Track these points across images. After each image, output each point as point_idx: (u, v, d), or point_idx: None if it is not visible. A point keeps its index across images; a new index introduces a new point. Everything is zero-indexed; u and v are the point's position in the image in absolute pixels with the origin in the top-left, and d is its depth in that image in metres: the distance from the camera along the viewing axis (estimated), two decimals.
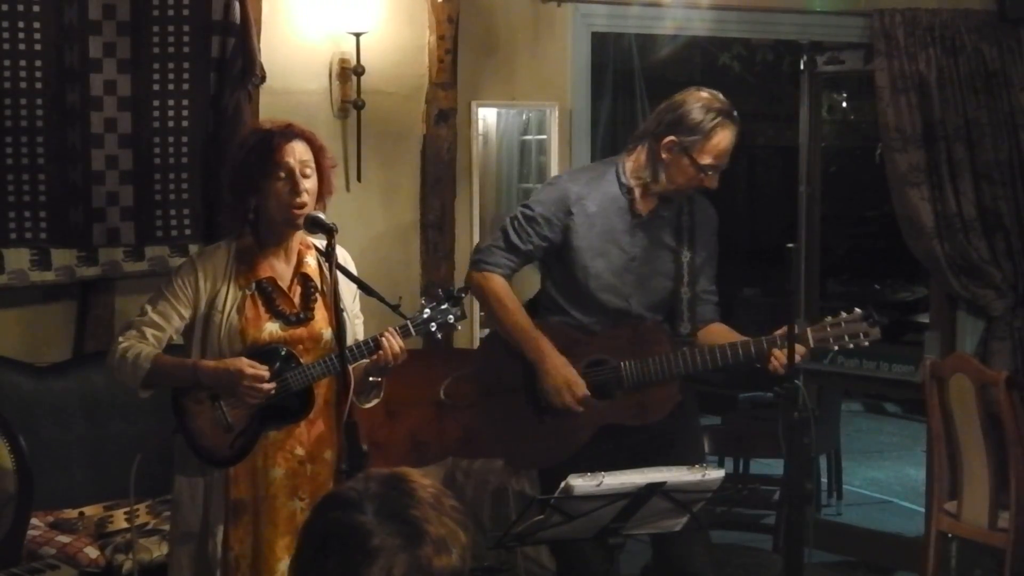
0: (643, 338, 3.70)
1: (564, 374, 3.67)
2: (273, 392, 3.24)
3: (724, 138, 3.65)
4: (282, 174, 3.24)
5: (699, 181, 3.68)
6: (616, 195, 3.75)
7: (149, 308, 3.33)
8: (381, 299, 3.33)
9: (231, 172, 3.35)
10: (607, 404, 3.70)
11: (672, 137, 3.65)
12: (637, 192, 3.73)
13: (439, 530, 1.70)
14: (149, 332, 3.30)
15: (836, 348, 3.69)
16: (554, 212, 3.74)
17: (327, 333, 3.33)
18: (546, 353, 3.69)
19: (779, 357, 3.57)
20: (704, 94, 3.71)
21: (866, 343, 3.67)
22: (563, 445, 3.70)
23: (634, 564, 4.35)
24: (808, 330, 3.64)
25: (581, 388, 3.67)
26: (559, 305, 3.80)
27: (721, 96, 3.73)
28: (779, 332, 3.59)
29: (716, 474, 3.13)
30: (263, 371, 3.22)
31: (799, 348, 3.51)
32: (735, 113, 3.70)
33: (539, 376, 3.69)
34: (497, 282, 3.76)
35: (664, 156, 3.67)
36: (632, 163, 3.76)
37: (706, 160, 3.63)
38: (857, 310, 3.67)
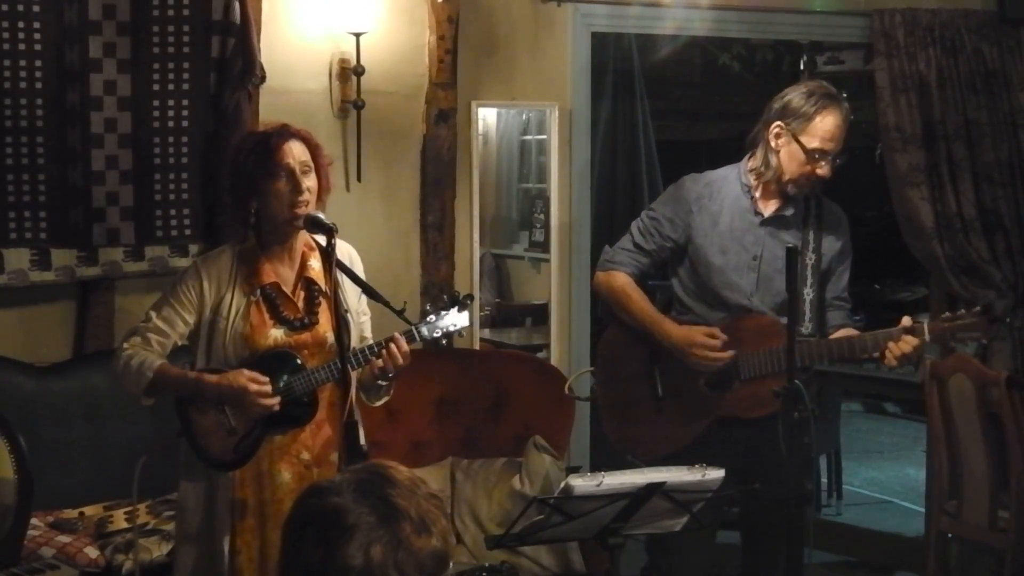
0: (762, 332, 3.73)
1: (691, 338, 3.73)
2: (277, 406, 3.24)
3: (829, 120, 3.71)
4: (282, 174, 3.25)
5: (811, 170, 3.70)
6: (738, 194, 3.81)
7: (153, 314, 3.33)
8: (386, 304, 3.33)
9: (230, 176, 3.35)
10: (722, 396, 3.72)
11: (779, 123, 3.72)
12: (758, 191, 3.78)
13: (417, 510, 1.71)
14: (154, 339, 3.30)
15: (953, 345, 3.71)
16: (676, 211, 3.84)
17: (331, 336, 3.32)
18: (671, 330, 3.77)
19: (893, 350, 3.58)
20: (809, 82, 3.85)
21: (985, 339, 3.69)
22: (679, 434, 3.75)
23: (634, 565, 4.35)
24: (925, 324, 3.65)
25: (716, 336, 3.71)
26: (685, 304, 3.88)
27: (826, 84, 3.82)
28: (897, 327, 3.62)
29: (716, 474, 3.13)
30: (265, 386, 3.22)
31: (914, 341, 3.56)
32: (843, 98, 3.76)
33: (673, 348, 3.75)
34: (621, 278, 3.88)
35: (773, 144, 3.74)
36: (750, 162, 3.84)
37: (814, 143, 3.69)
38: (977, 307, 3.69)
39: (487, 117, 7.15)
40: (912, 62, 5.47)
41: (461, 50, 5.10)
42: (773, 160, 3.75)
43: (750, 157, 3.85)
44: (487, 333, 6.24)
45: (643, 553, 4.27)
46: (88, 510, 4.33)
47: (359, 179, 4.98)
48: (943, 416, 4.90)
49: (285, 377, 3.27)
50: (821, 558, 5.66)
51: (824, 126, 3.71)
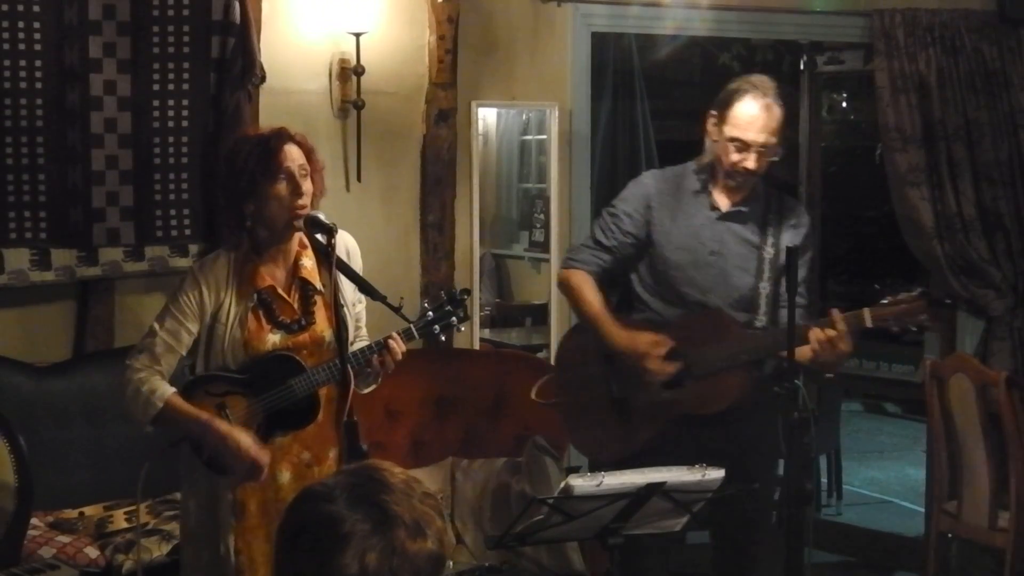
0: (715, 328, 3.71)
1: (634, 344, 3.70)
2: (264, 476, 3.26)
3: (745, 109, 3.67)
4: (282, 177, 3.25)
5: (737, 157, 3.68)
6: (695, 190, 3.80)
7: (158, 327, 3.31)
8: (384, 301, 3.33)
9: (226, 180, 3.32)
10: (676, 393, 3.72)
11: (712, 111, 3.74)
12: (716, 187, 3.77)
13: (411, 515, 1.70)
14: (161, 354, 3.28)
15: (896, 330, 3.66)
16: (635, 207, 3.82)
17: (329, 334, 3.33)
18: (615, 332, 3.74)
19: (817, 334, 3.55)
20: (749, 76, 3.83)
21: (929, 324, 3.65)
22: (636, 435, 3.74)
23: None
24: (866, 311, 3.60)
25: (662, 345, 3.67)
26: (643, 300, 3.85)
27: (766, 78, 3.79)
28: (827, 319, 3.58)
29: (716, 474, 3.13)
30: (266, 458, 3.24)
31: (831, 333, 3.51)
32: (773, 92, 3.71)
33: (616, 352, 3.73)
34: (579, 276, 3.86)
35: (710, 132, 3.76)
36: (700, 158, 3.84)
37: (733, 132, 3.67)
38: (918, 290, 3.64)
39: (487, 117, 7.14)
40: (912, 62, 5.47)
41: (461, 50, 5.10)
42: (712, 150, 3.75)
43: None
44: (487, 333, 6.23)
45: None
46: (88, 510, 4.33)
47: (359, 179, 4.99)
48: (943, 416, 4.90)
49: (286, 379, 3.27)
50: (821, 558, 5.66)
51: (739, 114, 3.67)
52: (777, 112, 3.69)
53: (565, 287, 3.91)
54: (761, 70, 9.03)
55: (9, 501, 3.88)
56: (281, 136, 3.29)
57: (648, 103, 7.50)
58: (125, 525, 4.18)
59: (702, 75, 9.62)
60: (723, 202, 3.78)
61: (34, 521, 4.08)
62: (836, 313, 3.56)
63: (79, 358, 4.62)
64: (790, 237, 3.76)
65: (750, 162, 3.68)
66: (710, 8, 5.39)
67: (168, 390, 3.26)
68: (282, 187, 3.25)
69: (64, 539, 4.11)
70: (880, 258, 10.21)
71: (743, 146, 3.67)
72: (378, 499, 1.69)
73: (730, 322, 3.72)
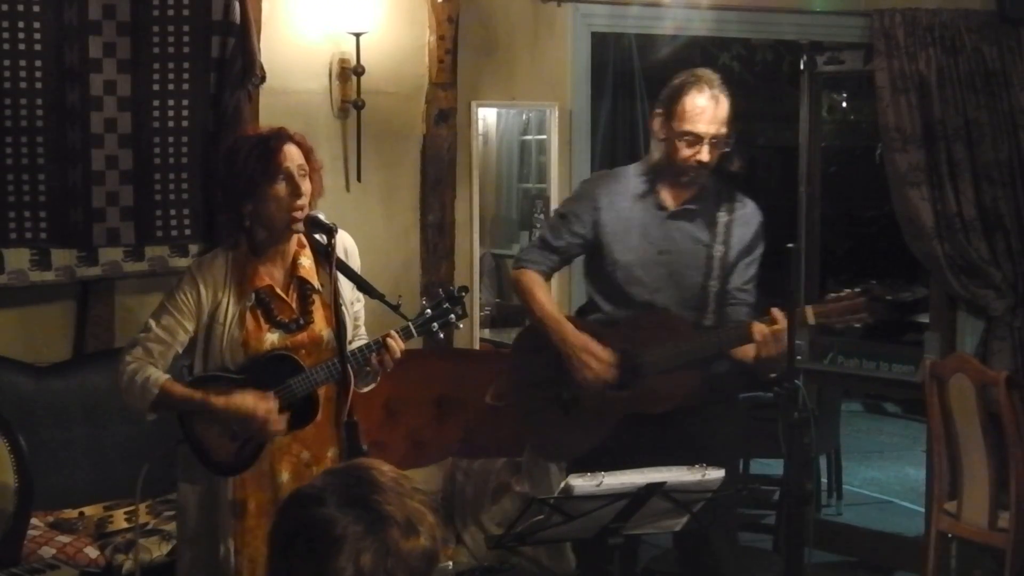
0: (661, 327, 3.71)
1: (585, 347, 3.70)
2: (284, 428, 3.25)
3: (692, 101, 3.66)
4: (282, 177, 3.25)
5: (688, 152, 3.67)
6: (643, 190, 3.80)
7: (153, 323, 3.31)
8: (382, 299, 3.33)
9: (225, 180, 3.32)
10: (625, 394, 3.71)
11: (658, 109, 3.73)
12: (663, 186, 3.76)
13: (403, 513, 1.69)
14: (155, 349, 3.28)
15: (840, 327, 3.66)
16: (583, 208, 3.82)
17: (327, 334, 3.33)
18: (567, 333, 3.74)
19: (761, 330, 3.54)
20: (692, 70, 3.79)
21: (870, 320, 3.65)
22: (588, 435, 3.73)
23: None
24: (808, 307, 3.60)
25: (604, 354, 3.68)
26: (595, 303, 3.86)
27: (708, 71, 3.78)
28: (772, 315, 3.58)
29: (716, 474, 3.13)
30: (272, 406, 3.23)
31: (768, 328, 3.51)
32: (718, 83, 3.71)
33: (562, 353, 3.73)
34: (530, 276, 3.86)
35: (655, 130, 3.74)
36: (648, 158, 3.83)
37: (682, 126, 3.66)
38: (859, 288, 3.65)
39: (487, 117, 7.14)
40: (912, 62, 5.47)
41: (461, 50, 5.10)
42: (662, 147, 3.74)
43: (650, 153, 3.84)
44: (487, 333, 6.23)
45: (643, 553, 4.27)
46: (88, 510, 4.33)
47: (359, 179, 4.99)
48: (943, 416, 4.90)
49: (284, 377, 3.27)
50: (821, 558, 5.66)
51: (687, 106, 3.66)
52: (725, 102, 3.70)
53: (516, 287, 3.92)
54: (761, 70, 9.06)
55: (9, 501, 3.88)
56: (280, 136, 3.29)
57: (648, 103, 7.49)
58: (125, 525, 4.18)
59: None
60: (671, 201, 3.77)
61: (34, 521, 4.09)
62: (776, 311, 3.56)
63: (79, 358, 4.62)
64: (741, 234, 3.76)
65: (703, 155, 3.68)
66: (710, 8, 5.39)
67: (162, 376, 3.26)
68: (281, 188, 3.25)
69: (64, 539, 4.11)
70: (880, 258, 10.20)
71: (695, 139, 3.66)
72: (370, 499, 1.69)
73: (678, 321, 3.72)
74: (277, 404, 3.24)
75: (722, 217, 3.76)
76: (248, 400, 3.22)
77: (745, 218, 3.80)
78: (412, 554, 1.67)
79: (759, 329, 3.55)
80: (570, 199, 3.93)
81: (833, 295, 3.64)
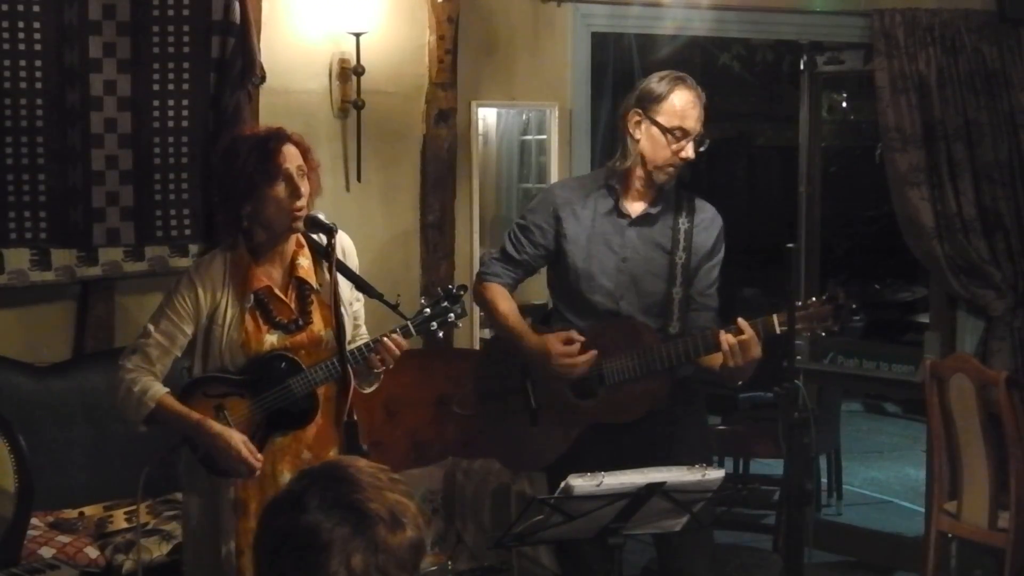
0: (626, 336, 3.69)
1: (545, 343, 3.68)
2: (257, 473, 3.25)
3: (682, 98, 3.68)
4: (281, 178, 3.23)
5: (675, 152, 3.67)
6: (604, 197, 3.77)
7: (152, 328, 3.30)
8: (381, 298, 3.33)
9: (223, 180, 3.31)
10: (590, 403, 3.70)
11: (636, 109, 3.71)
12: (625, 192, 3.75)
13: (386, 507, 1.69)
14: (155, 354, 3.28)
15: (806, 335, 3.64)
16: (544, 219, 3.79)
17: (326, 334, 3.33)
18: (529, 337, 3.73)
19: (728, 339, 3.52)
20: (660, 72, 3.79)
21: (836, 329, 3.64)
22: (553, 445, 3.72)
23: (634, 564, 4.35)
24: (774, 316, 3.57)
25: (575, 348, 3.65)
26: (559, 312, 3.83)
27: (675, 71, 3.80)
28: (732, 327, 3.56)
29: (716, 474, 3.13)
30: (256, 460, 3.22)
31: (735, 338, 3.50)
32: (693, 81, 3.74)
33: (528, 357, 3.72)
34: (492, 289, 3.83)
35: (634, 133, 3.71)
36: (615, 163, 3.79)
37: (673, 122, 3.66)
38: (825, 296, 3.63)
39: (487, 117, 7.12)
40: (912, 62, 5.47)
41: (461, 50, 5.10)
42: (634, 149, 3.72)
43: (614, 159, 3.80)
44: (487, 333, 6.22)
45: (643, 553, 4.27)
46: (88, 510, 4.33)
47: (359, 179, 4.99)
48: (943, 416, 4.90)
49: (281, 374, 3.27)
50: (821, 558, 5.66)
51: (678, 102, 3.67)
52: (704, 101, 3.73)
53: (479, 300, 3.88)
54: (761, 70, 9.07)
55: (9, 501, 3.88)
56: (279, 137, 3.28)
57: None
58: (125, 525, 4.18)
59: (702, 75, 9.61)
60: (632, 208, 3.76)
61: (34, 521, 4.08)
62: (742, 321, 3.54)
63: (79, 358, 4.62)
64: (703, 240, 3.76)
65: (689, 151, 3.68)
66: (710, 8, 5.39)
67: (161, 390, 3.25)
68: (281, 189, 3.24)
69: (64, 539, 4.11)
70: (880, 258, 10.21)
71: (683, 134, 3.66)
72: (351, 499, 1.68)
73: (643, 329, 3.69)
74: (260, 462, 3.24)
75: (683, 224, 3.74)
76: (238, 440, 3.21)
77: (705, 223, 3.78)
78: (401, 547, 1.67)
79: (726, 339, 3.53)
80: (530, 209, 3.89)
81: (799, 303, 3.62)
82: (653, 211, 3.75)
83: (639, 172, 3.72)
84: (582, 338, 3.67)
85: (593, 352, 3.66)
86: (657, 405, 3.68)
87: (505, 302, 3.82)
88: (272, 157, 3.23)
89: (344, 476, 1.72)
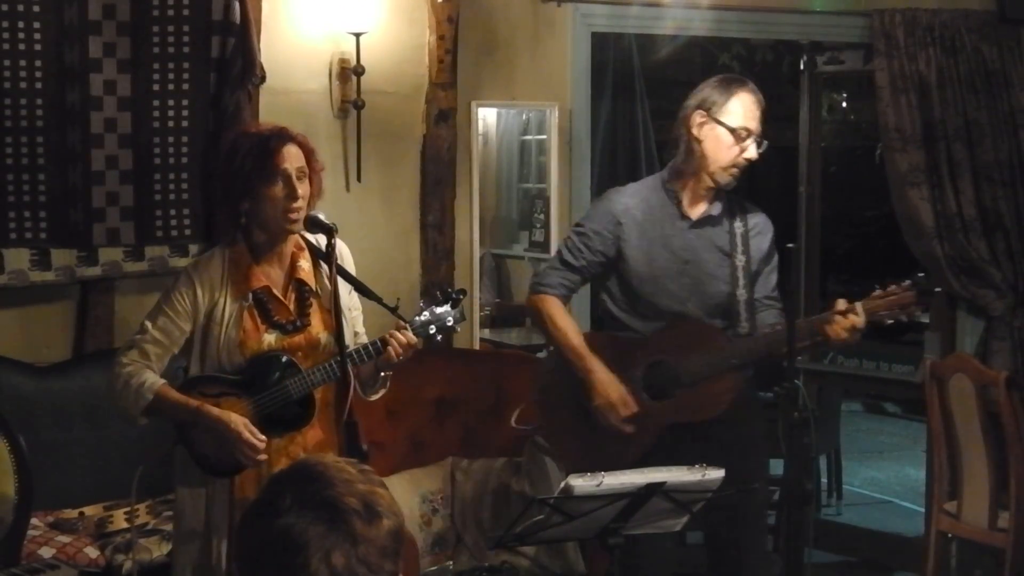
0: (697, 336, 3.71)
1: (610, 393, 3.70)
2: (263, 462, 3.23)
3: (746, 99, 3.71)
4: (279, 179, 3.22)
5: (738, 151, 3.69)
6: (663, 201, 3.79)
7: (149, 324, 3.29)
8: (379, 301, 3.33)
9: (223, 177, 3.30)
10: (667, 404, 3.72)
11: (699, 110, 3.72)
12: (684, 195, 3.76)
13: (359, 499, 1.67)
14: (151, 351, 3.27)
15: (890, 322, 3.65)
16: (604, 225, 3.80)
17: (324, 337, 3.32)
18: (595, 371, 3.72)
19: (832, 331, 3.54)
20: (718, 75, 3.85)
21: (919, 314, 3.65)
22: (631, 449, 3.72)
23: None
24: (858, 304, 3.59)
25: (630, 407, 3.69)
26: (616, 317, 3.83)
27: (732, 74, 3.88)
28: (831, 311, 3.58)
29: (716, 474, 3.13)
30: (260, 441, 3.21)
31: (854, 322, 3.52)
32: (751, 83, 3.78)
33: (589, 395, 3.72)
34: (550, 303, 3.83)
35: (696, 133, 3.72)
36: (674, 167, 3.81)
37: (737, 122, 3.68)
38: (907, 281, 3.63)
39: (487, 117, 7.14)
40: (912, 62, 5.47)
41: (461, 50, 5.10)
42: (703, 150, 3.73)
43: (673, 162, 3.82)
44: (487, 333, 6.23)
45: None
46: (88, 510, 4.33)
47: (359, 179, 4.98)
48: (943, 416, 4.90)
49: (277, 375, 3.26)
50: (821, 558, 5.66)
51: (743, 103, 3.70)
52: (763, 103, 3.76)
53: (535, 314, 3.88)
54: (761, 70, 9.06)
55: (9, 501, 3.88)
56: (281, 136, 3.27)
57: (648, 103, 7.50)
58: (125, 525, 4.18)
59: (702, 75, 9.59)
60: (692, 211, 3.78)
61: (34, 521, 4.08)
62: (841, 301, 3.58)
63: (79, 358, 4.62)
64: (759, 243, 3.77)
65: (752, 151, 3.70)
66: (710, 8, 5.39)
67: (158, 381, 3.24)
68: (277, 189, 3.23)
69: (64, 539, 4.11)
70: (880, 258, 10.21)
71: (747, 134, 3.68)
72: (324, 496, 1.67)
73: (711, 330, 3.71)
74: (265, 443, 3.22)
75: (738, 227, 3.77)
76: (240, 423, 3.20)
77: (759, 228, 3.82)
78: (379, 537, 1.66)
79: (832, 335, 3.54)
80: (588, 217, 3.89)
81: (879, 291, 3.63)
82: (714, 213, 3.77)
83: (701, 174, 3.74)
84: (636, 409, 3.68)
85: (631, 428, 3.68)
86: (735, 401, 3.69)
87: (563, 318, 3.82)
88: (271, 156, 3.22)
89: (313, 474, 1.71)
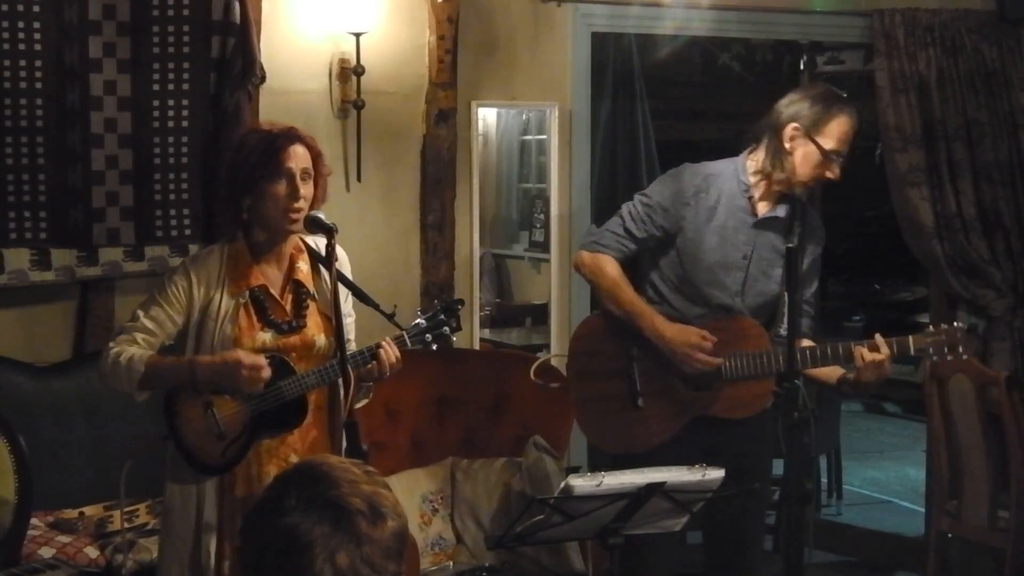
0: (743, 334, 3.72)
1: (686, 338, 3.68)
2: (269, 376, 3.20)
3: (845, 121, 3.71)
4: (282, 178, 3.22)
5: (823, 169, 3.70)
6: (735, 193, 3.79)
7: (141, 313, 3.29)
8: (376, 307, 3.32)
9: (228, 171, 3.31)
10: (703, 395, 3.72)
11: (795, 124, 3.70)
12: (756, 192, 3.77)
13: (364, 500, 1.67)
14: (141, 337, 3.26)
15: (935, 358, 3.68)
16: (672, 202, 3.79)
17: (320, 340, 3.31)
18: (663, 326, 3.72)
19: (864, 356, 3.57)
20: (818, 85, 3.86)
21: (965, 355, 3.68)
22: (656, 432, 3.74)
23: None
24: (911, 338, 3.65)
25: (707, 339, 3.67)
26: (662, 294, 3.83)
27: (832, 87, 3.83)
28: (870, 342, 3.62)
29: (716, 474, 3.13)
30: (260, 358, 3.18)
31: (882, 355, 3.57)
32: (850, 104, 3.77)
33: (664, 350, 3.70)
34: (608, 262, 3.82)
35: (787, 145, 3.72)
36: (752, 161, 3.80)
37: (831, 144, 3.68)
38: (959, 324, 3.70)
39: (487, 117, 7.15)
40: (912, 62, 5.48)
41: (461, 50, 5.10)
42: (788, 162, 3.72)
43: (750, 155, 3.82)
44: (487, 333, 6.23)
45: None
46: (88, 510, 4.33)
47: (359, 179, 4.98)
48: (943, 416, 4.90)
49: (274, 380, 3.24)
50: (821, 558, 5.66)
51: (841, 127, 3.70)
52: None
53: (592, 270, 3.85)
54: (761, 70, 9.07)
55: (9, 501, 3.88)
56: (290, 136, 3.26)
57: (648, 103, 7.49)
58: (126, 525, 4.18)
59: (702, 75, 9.62)
60: (760, 208, 3.79)
61: (34, 521, 4.08)
62: (880, 338, 3.62)
63: (79, 358, 4.62)
64: (812, 248, 3.79)
65: (836, 172, 3.73)
66: (710, 8, 5.39)
67: (147, 354, 3.23)
68: (280, 187, 3.23)
69: (64, 539, 4.11)
70: (880, 258, 10.21)
71: (836, 157, 3.69)
72: (328, 496, 1.67)
73: (759, 330, 3.73)
74: (268, 362, 3.19)
75: (796, 229, 3.78)
76: (234, 352, 3.18)
77: (814, 230, 3.85)
78: (384, 538, 1.66)
79: (861, 353, 3.58)
80: (659, 189, 3.85)
81: (932, 329, 3.69)
82: (779, 214, 3.78)
83: (780, 180, 3.74)
84: (714, 339, 3.68)
85: (720, 359, 3.68)
86: (765, 406, 3.71)
87: (625, 280, 3.80)
88: (276, 155, 3.22)
89: (318, 474, 1.71)
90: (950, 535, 5.01)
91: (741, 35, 6.82)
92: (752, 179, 3.78)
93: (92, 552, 4.09)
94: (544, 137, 5.96)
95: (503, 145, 7.62)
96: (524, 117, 7.30)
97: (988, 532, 4.75)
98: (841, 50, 6.11)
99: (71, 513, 4.32)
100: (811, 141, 3.69)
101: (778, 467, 3.96)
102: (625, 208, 3.88)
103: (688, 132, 10.10)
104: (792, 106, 3.75)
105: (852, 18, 5.68)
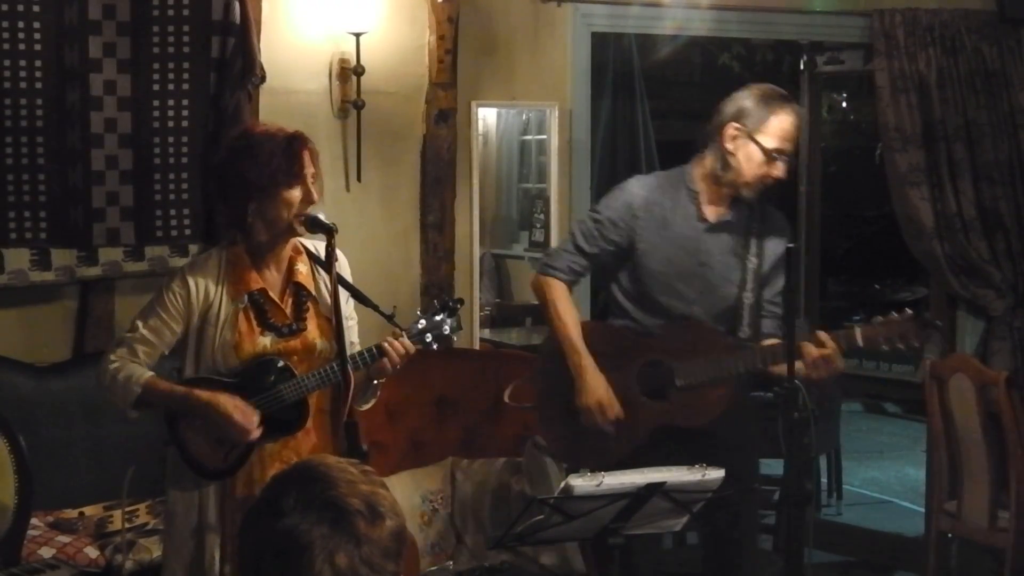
0: (699, 340, 3.71)
1: (598, 395, 3.70)
2: (256, 437, 3.22)
3: (785, 119, 3.68)
4: (300, 183, 3.21)
5: (768, 169, 3.68)
6: (684, 201, 3.77)
7: (140, 323, 3.28)
8: (376, 308, 3.31)
9: (242, 173, 3.22)
10: (661, 405, 3.71)
11: (736, 124, 3.69)
12: (704, 197, 3.75)
13: (362, 500, 1.67)
14: (140, 349, 3.25)
15: (886, 348, 3.66)
16: (621, 215, 3.78)
17: (320, 342, 3.30)
18: (586, 369, 3.73)
19: (811, 352, 3.54)
20: (760, 85, 3.80)
21: (916, 345, 3.66)
22: (619, 446, 3.72)
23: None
24: (857, 330, 3.62)
25: (614, 409, 3.70)
26: (623, 308, 3.83)
27: (775, 86, 3.80)
28: (814, 337, 3.59)
29: (716, 474, 3.13)
30: (252, 417, 3.20)
31: (820, 350, 3.52)
32: (794, 101, 3.76)
33: (576, 392, 3.73)
34: (556, 288, 3.83)
35: (729, 146, 3.70)
36: (699, 167, 3.79)
37: (772, 143, 3.66)
38: (909, 311, 3.65)
39: (487, 117, 7.14)
40: (912, 62, 5.48)
41: (461, 50, 5.10)
42: (731, 163, 3.70)
43: (697, 161, 3.81)
44: (487, 333, 6.23)
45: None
46: (88, 510, 4.33)
47: (359, 179, 4.98)
48: (943, 416, 4.90)
49: (272, 378, 3.24)
50: (821, 558, 5.66)
51: (781, 125, 3.67)
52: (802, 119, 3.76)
53: (540, 294, 3.88)
54: (761, 70, 9.07)
55: (9, 501, 3.88)
56: (301, 140, 3.25)
57: (648, 103, 7.50)
58: (126, 525, 4.18)
59: (702, 75, 9.64)
60: (711, 213, 3.77)
61: (34, 521, 4.08)
62: (823, 334, 3.58)
63: (79, 358, 4.62)
64: (773, 246, 3.76)
65: (781, 170, 3.69)
66: (710, 8, 5.39)
67: (146, 373, 3.23)
68: (296, 193, 3.20)
69: (64, 539, 4.11)
70: (880, 258, 10.21)
71: (779, 155, 3.67)
72: (326, 497, 1.67)
73: (716, 335, 3.72)
74: (258, 417, 3.20)
75: (755, 228, 3.76)
76: (229, 403, 3.18)
77: (776, 230, 3.81)
78: (382, 537, 1.66)
79: (808, 350, 3.55)
80: (607, 204, 3.85)
81: (881, 318, 3.64)
82: (731, 218, 3.76)
83: (726, 182, 3.73)
84: (623, 415, 3.69)
85: (612, 427, 3.69)
86: (727, 409, 3.70)
87: (566, 306, 3.81)
88: (297, 159, 3.21)
89: (316, 475, 1.71)
90: (950, 535, 5.01)
91: (741, 35, 6.83)
92: (700, 185, 3.76)
93: (92, 552, 4.09)
94: (544, 137, 5.96)
95: (503, 145, 7.62)
96: (524, 117, 7.30)
97: (988, 532, 4.75)
98: (841, 50, 6.11)
99: (71, 513, 4.32)
100: (752, 141, 3.67)
101: (778, 467, 3.97)
102: (576, 226, 3.91)
103: (688, 132, 10.08)
104: (731, 105, 3.73)
105: (852, 18, 5.68)
